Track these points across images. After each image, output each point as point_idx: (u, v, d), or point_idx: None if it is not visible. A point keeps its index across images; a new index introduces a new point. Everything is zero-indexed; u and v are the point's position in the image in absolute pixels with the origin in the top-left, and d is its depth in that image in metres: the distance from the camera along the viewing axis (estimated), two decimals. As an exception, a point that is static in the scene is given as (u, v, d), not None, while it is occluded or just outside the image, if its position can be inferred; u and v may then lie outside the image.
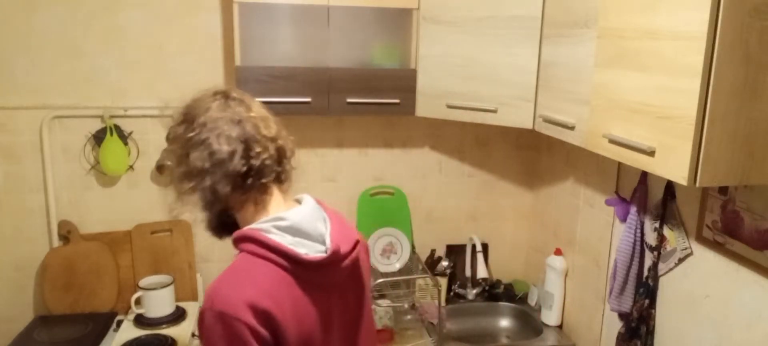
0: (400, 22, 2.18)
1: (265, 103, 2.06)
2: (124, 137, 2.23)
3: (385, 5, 2.09)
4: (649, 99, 1.29)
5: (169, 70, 2.25)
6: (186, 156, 1.12)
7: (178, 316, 2.17)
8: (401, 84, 2.14)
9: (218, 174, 1.10)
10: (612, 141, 1.42)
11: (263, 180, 1.14)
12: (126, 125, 2.24)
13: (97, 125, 2.22)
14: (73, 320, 2.17)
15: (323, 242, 1.15)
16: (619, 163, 1.94)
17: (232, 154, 1.10)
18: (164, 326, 2.11)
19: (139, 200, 2.32)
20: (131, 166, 2.27)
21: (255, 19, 2.07)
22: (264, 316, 1.04)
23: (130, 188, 2.30)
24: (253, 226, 1.12)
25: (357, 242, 1.21)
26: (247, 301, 1.03)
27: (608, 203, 1.96)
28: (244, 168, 1.11)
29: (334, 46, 2.09)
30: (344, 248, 1.17)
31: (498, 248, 2.67)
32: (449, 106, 2.08)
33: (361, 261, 1.26)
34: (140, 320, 2.14)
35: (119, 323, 2.16)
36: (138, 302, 2.15)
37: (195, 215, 1.20)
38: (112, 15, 2.17)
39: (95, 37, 2.17)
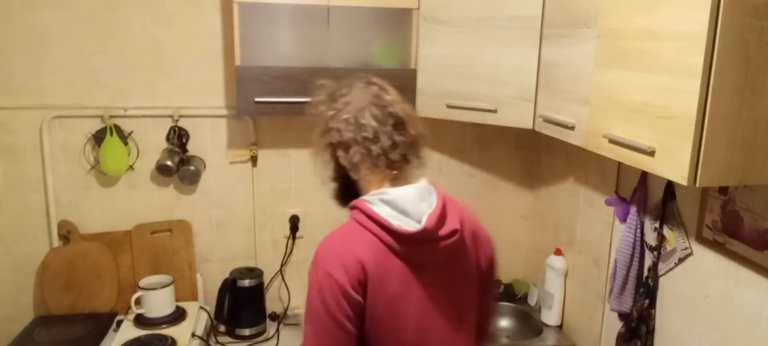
0: (400, 22, 2.18)
1: (265, 103, 2.08)
2: (124, 137, 2.23)
3: (385, 5, 2.09)
4: (649, 99, 1.29)
5: (169, 70, 2.25)
6: (329, 129, 1.26)
7: (178, 316, 2.17)
8: (401, 84, 2.09)
9: (360, 146, 1.24)
10: (612, 141, 1.42)
11: (393, 158, 1.26)
12: (126, 125, 2.24)
13: (97, 125, 2.22)
14: (73, 320, 2.17)
15: (420, 221, 1.23)
16: (619, 163, 1.94)
17: (375, 129, 1.24)
18: (164, 326, 2.11)
19: (139, 200, 2.32)
20: (131, 166, 2.27)
21: (255, 19, 2.07)
22: (356, 275, 1.17)
23: (130, 188, 2.30)
24: (362, 197, 1.26)
25: (455, 230, 1.27)
26: (351, 252, 1.18)
27: (608, 203, 1.96)
28: (383, 144, 1.24)
29: (334, 46, 2.09)
30: (440, 231, 1.24)
31: (498, 248, 2.64)
32: (449, 106, 2.08)
33: (467, 251, 1.34)
34: (140, 320, 2.14)
35: (119, 323, 2.16)
36: (138, 302, 2.15)
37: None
38: (112, 15, 2.17)
39: (95, 37, 2.17)
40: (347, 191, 1.32)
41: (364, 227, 1.22)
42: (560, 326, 2.34)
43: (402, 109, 1.29)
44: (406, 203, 1.23)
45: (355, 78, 1.32)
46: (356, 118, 1.24)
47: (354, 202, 1.26)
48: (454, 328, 1.32)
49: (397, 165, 1.27)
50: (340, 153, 1.27)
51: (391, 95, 1.30)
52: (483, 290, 1.40)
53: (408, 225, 1.22)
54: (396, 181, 1.28)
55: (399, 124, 1.27)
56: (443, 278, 1.30)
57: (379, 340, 1.23)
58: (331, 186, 1.36)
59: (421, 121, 1.34)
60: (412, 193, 1.25)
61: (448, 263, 1.30)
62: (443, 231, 1.25)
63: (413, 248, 1.23)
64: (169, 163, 2.20)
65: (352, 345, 1.21)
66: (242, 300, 2.26)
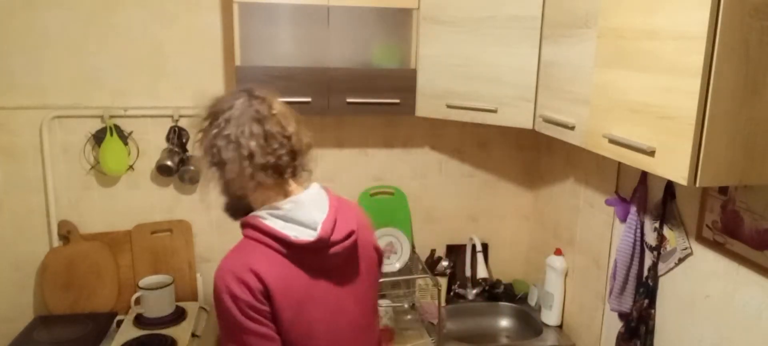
0: (400, 22, 2.18)
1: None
2: (124, 137, 2.23)
3: (385, 5, 2.09)
4: (649, 99, 1.29)
5: (169, 70, 2.25)
6: (211, 147, 1.25)
7: (178, 316, 2.18)
8: (401, 84, 2.14)
9: (239, 165, 1.23)
10: (612, 141, 1.42)
11: (279, 173, 1.27)
12: (126, 125, 2.24)
13: (97, 125, 2.22)
14: (73, 320, 2.17)
15: (315, 229, 1.26)
16: (619, 163, 1.94)
17: (253, 148, 1.22)
18: (164, 326, 2.11)
19: (139, 200, 2.32)
20: (131, 166, 2.27)
21: (255, 19, 2.07)
22: (257, 287, 1.19)
23: (130, 188, 2.30)
24: (253, 213, 1.29)
25: (352, 232, 1.31)
26: (248, 267, 1.20)
27: (608, 203, 1.96)
28: (264, 161, 1.23)
29: (334, 46, 2.09)
30: (335, 236, 1.28)
31: (498, 248, 2.67)
32: (449, 106, 2.08)
33: (361, 250, 1.38)
34: (140, 320, 2.14)
35: (119, 323, 2.16)
36: (138, 302, 2.15)
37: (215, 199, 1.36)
38: (112, 15, 2.17)
39: (95, 37, 2.17)
40: (237, 204, 1.33)
41: (259, 242, 1.24)
42: (560, 326, 2.34)
43: (284, 122, 1.28)
44: (298, 214, 1.26)
45: (239, 92, 1.30)
46: (236, 137, 1.22)
47: (245, 219, 1.28)
48: (362, 326, 1.40)
49: (278, 182, 1.27)
50: (220, 172, 1.27)
51: (274, 108, 1.28)
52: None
53: (304, 235, 1.25)
54: (285, 193, 1.29)
55: (279, 138, 1.26)
56: (345, 278, 1.34)
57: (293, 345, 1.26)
58: (223, 200, 1.36)
59: (308, 130, 1.33)
60: (303, 202, 1.28)
61: (349, 263, 1.35)
62: (337, 236, 1.28)
63: (311, 256, 1.26)
64: (169, 163, 2.20)
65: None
66: (242, 300, 2.26)
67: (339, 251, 1.29)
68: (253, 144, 1.22)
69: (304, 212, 1.27)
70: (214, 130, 1.25)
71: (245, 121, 1.24)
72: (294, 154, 1.29)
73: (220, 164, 1.25)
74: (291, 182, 1.30)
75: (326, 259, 1.28)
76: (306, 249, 1.24)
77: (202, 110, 1.31)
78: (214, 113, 1.27)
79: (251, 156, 1.23)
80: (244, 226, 1.29)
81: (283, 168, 1.27)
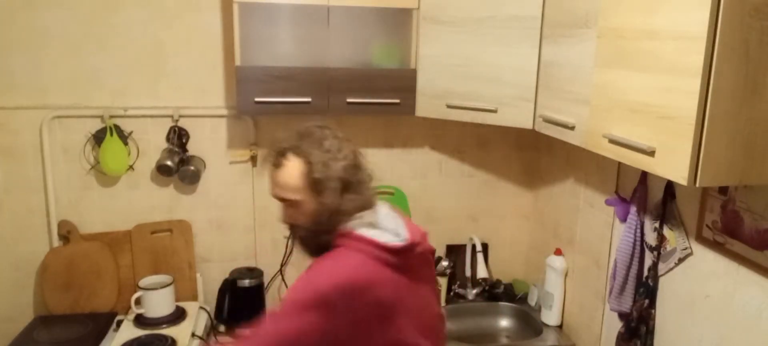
0: (400, 22, 2.18)
1: (264, 103, 2.08)
2: (124, 137, 2.23)
3: (385, 5, 2.09)
4: (649, 99, 1.29)
5: (169, 70, 2.25)
6: (331, 171, 1.32)
7: (178, 316, 2.18)
8: (401, 84, 2.14)
9: (364, 186, 1.37)
10: (612, 141, 1.42)
11: (375, 194, 1.40)
12: (126, 125, 2.24)
13: (97, 125, 2.22)
14: (73, 320, 2.17)
15: (397, 235, 1.34)
16: (619, 163, 1.94)
17: (368, 170, 1.38)
18: (164, 326, 2.11)
19: (139, 200, 2.32)
20: (131, 166, 2.27)
21: (255, 19, 2.07)
22: (377, 296, 1.27)
23: (130, 188, 2.30)
24: (345, 225, 1.35)
25: (424, 235, 1.45)
26: (369, 280, 1.27)
27: (608, 203, 1.96)
28: (370, 181, 1.39)
29: (334, 46, 2.09)
30: (417, 239, 1.39)
31: (498, 248, 2.67)
32: (449, 106, 2.08)
33: (431, 252, 1.52)
34: (140, 320, 2.14)
35: (119, 323, 2.16)
36: (138, 302, 2.15)
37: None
38: (112, 15, 2.17)
39: (95, 37, 2.17)
40: (317, 236, 1.37)
41: (356, 250, 1.30)
42: (560, 326, 2.34)
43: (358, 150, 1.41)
44: (384, 223, 1.36)
45: (313, 125, 1.38)
46: (354, 160, 1.35)
47: (341, 231, 1.34)
48: (441, 324, 1.52)
49: (376, 199, 1.40)
50: (342, 196, 1.33)
51: (346, 138, 1.39)
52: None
53: (395, 240, 1.33)
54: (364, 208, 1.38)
55: (363, 165, 1.40)
56: (423, 278, 1.44)
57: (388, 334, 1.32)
58: (301, 233, 1.40)
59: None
60: (384, 213, 1.39)
61: (424, 265, 1.46)
62: (417, 239, 1.39)
63: (401, 258, 1.33)
64: (169, 163, 2.20)
65: None
66: (242, 300, 2.26)
67: (422, 252, 1.41)
68: (366, 165, 1.38)
69: (388, 221, 1.37)
70: (327, 156, 1.32)
71: (349, 146, 1.36)
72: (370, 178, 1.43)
73: (346, 186, 1.33)
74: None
75: (413, 259, 1.36)
76: (398, 252, 1.31)
77: (294, 138, 1.36)
78: (314, 140, 1.34)
79: (367, 179, 1.37)
80: (340, 237, 1.34)
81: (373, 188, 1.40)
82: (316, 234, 1.37)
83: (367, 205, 1.38)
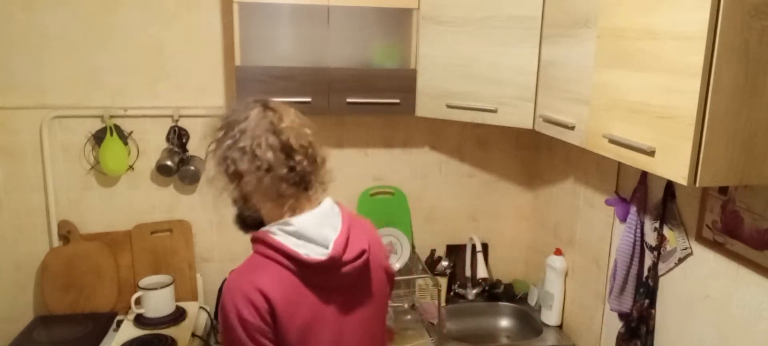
0: (400, 22, 2.18)
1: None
2: (124, 137, 2.23)
3: (385, 5, 2.09)
4: (649, 99, 1.29)
5: (169, 70, 2.25)
6: (225, 159, 1.23)
7: (178, 316, 2.18)
8: (401, 84, 2.14)
9: (256, 177, 1.21)
10: (612, 141, 1.42)
11: (298, 185, 1.24)
12: (126, 125, 2.24)
13: (97, 125, 2.22)
14: (73, 320, 2.17)
15: (327, 246, 1.23)
16: (619, 163, 1.94)
17: (271, 160, 1.20)
18: (164, 326, 2.11)
19: (139, 200, 2.32)
20: (131, 166, 2.27)
21: (255, 19, 2.07)
22: (263, 307, 1.17)
23: (130, 188, 2.30)
24: (264, 228, 1.25)
25: (364, 252, 1.28)
26: (256, 286, 1.17)
27: (608, 202, 1.96)
28: (283, 172, 1.22)
29: (334, 46, 2.09)
30: (347, 255, 1.25)
31: (498, 248, 2.67)
32: (449, 106, 2.08)
33: (372, 271, 1.34)
34: (140, 320, 2.14)
35: (119, 323, 2.16)
36: (138, 302, 2.15)
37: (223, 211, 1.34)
38: (112, 15, 2.17)
39: (95, 37, 2.17)
40: (249, 217, 1.31)
41: (269, 258, 1.21)
42: (560, 326, 2.34)
43: (300, 135, 1.26)
44: (310, 231, 1.23)
45: (253, 103, 1.27)
46: (252, 149, 1.20)
47: (256, 234, 1.25)
48: (372, 343, 1.36)
49: (293, 194, 1.24)
50: (235, 183, 1.24)
51: (288, 121, 1.25)
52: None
53: (315, 253, 1.21)
54: (297, 208, 1.25)
55: (296, 152, 1.23)
56: (355, 299, 1.31)
57: None
58: (234, 212, 1.34)
59: (321, 144, 1.31)
60: (316, 219, 1.25)
61: (359, 283, 1.31)
62: (349, 255, 1.25)
63: (322, 275, 1.23)
64: (169, 163, 2.20)
65: None
66: (242, 300, 2.26)
67: (350, 271, 1.25)
68: (269, 155, 1.20)
69: (316, 229, 1.23)
70: (229, 142, 1.22)
71: (261, 132, 1.21)
72: (314, 165, 1.27)
73: (235, 176, 1.23)
74: (305, 195, 1.27)
75: (337, 279, 1.24)
76: (317, 268, 1.21)
77: (215, 121, 1.28)
78: (229, 124, 1.24)
79: (270, 168, 1.20)
80: (254, 241, 1.26)
81: (302, 179, 1.24)
82: (239, 220, 1.34)
83: (277, 202, 1.24)
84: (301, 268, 1.20)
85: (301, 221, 1.23)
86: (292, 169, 1.22)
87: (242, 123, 1.22)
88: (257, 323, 1.17)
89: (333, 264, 1.22)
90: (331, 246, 1.22)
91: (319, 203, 1.29)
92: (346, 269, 1.24)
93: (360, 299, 1.32)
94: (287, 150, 1.22)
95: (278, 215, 1.25)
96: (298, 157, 1.23)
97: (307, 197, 1.28)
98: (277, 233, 1.22)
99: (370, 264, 1.33)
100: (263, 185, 1.21)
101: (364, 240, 1.30)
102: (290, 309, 1.19)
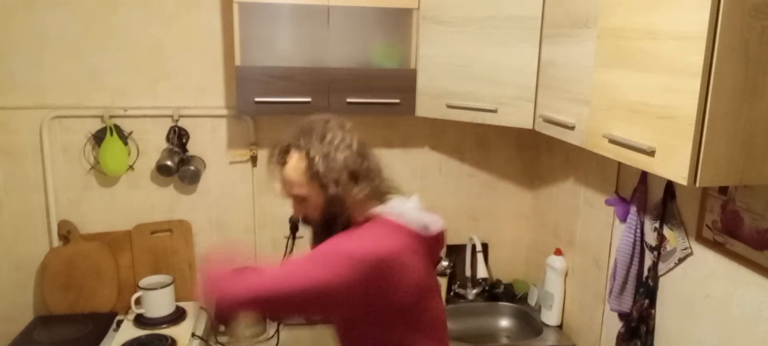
0: (400, 22, 2.19)
1: (264, 103, 2.08)
2: (124, 137, 2.23)
3: (385, 5, 2.09)
4: (649, 99, 1.29)
5: (169, 70, 2.25)
6: (332, 163, 1.33)
7: (178, 316, 2.18)
8: (401, 84, 2.14)
9: (371, 177, 1.37)
10: (612, 141, 1.42)
11: (389, 185, 1.43)
12: (126, 125, 2.25)
13: (97, 125, 2.22)
14: (73, 320, 2.17)
15: (425, 228, 1.40)
16: (619, 163, 1.94)
17: (377, 161, 1.40)
18: (164, 326, 2.11)
19: (139, 200, 2.32)
20: (131, 166, 2.27)
21: (255, 19, 2.07)
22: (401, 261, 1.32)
23: (130, 188, 2.30)
24: (372, 211, 1.38)
25: (444, 230, 1.51)
26: (400, 246, 1.33)
27: (608, 202, 1.96)
28: (382, 172, 1.41)
29: (334, 46, 2.09)
30: (440, 236, 1.49)
31: (498, 248, 2.67)
32: (449, 106, 2.08)
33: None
34: (140, 320, 2.14)
35: (119, 323, 2.16)
36: (138, 302, 2.15)
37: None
38: (112, 15, 2.17)
39: (95, 37, 2.18)
40: (329, 228, 1.37)
41: (392, 227, 1.35)
42: (560, 326, 2.34)
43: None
44: (411, 214, 1.40)
45: (315, 118, 1.39)
46: (359, 151, 1.34)
47: (373, 212, 1.37)
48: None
49: (390, 191, 1.42)
50: (350, 186, 1.34)
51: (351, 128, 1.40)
52: None
53: (424, 229, 1.40)
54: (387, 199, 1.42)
55: (370, 155, 1.41)
56: (434, 269, 1.56)
57: (429, 309, 1.40)
58: (313, 226, 1.42)
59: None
60: (408, 205, 1.43)
61: (435, 263, 1.55)
62: (440, 236, 1.49)
63: (428, 247, 1.42)
64: (169, 163, 2.20)
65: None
66: (242, 300, 2.26)
67: (442, 246, 1.52)
68: (373, 156, 1.39)
69: (412, 212, 1.41)
70: (327, 149, 1.33)
71: (352, 137, 1.37)
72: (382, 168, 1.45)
73: (352, 176, 1.33)
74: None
75: (436, 252, 1.50)
76: (427, 241, 1.40)
77: (296, 133, 1.36)
78: (316, 134, 1.34)
79: (375, 168, 1.38)
80: (368, 219, 1.36)
81: (386, 178, 1.42)
82: (328, 226, 1.38)
83: (378, 193, 1.39)
84: (415, 240, 1.36)
85: (403, 206, 1.40)
86: (380, 168, 1.42)
87: (330, 132, 1.35)
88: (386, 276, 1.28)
89: (439, 237, 1.45)
90: (432, 223, 1.42)
91: (396, 197, 1.45)
92: (442, 242, 1.49)
93: (435, 267, 1.61)
94: (369, 149, 1.41)
95: (370, 207, 1.38)
96: (373, 158, 1.42)
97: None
98: (390, 214, 1.37)
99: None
100: (376, 182, 1.38)
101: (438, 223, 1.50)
102: (413, 270, 1.33)
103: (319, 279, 1.23)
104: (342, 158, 1.33)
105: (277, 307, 1.30)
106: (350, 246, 1.28)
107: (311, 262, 1.27)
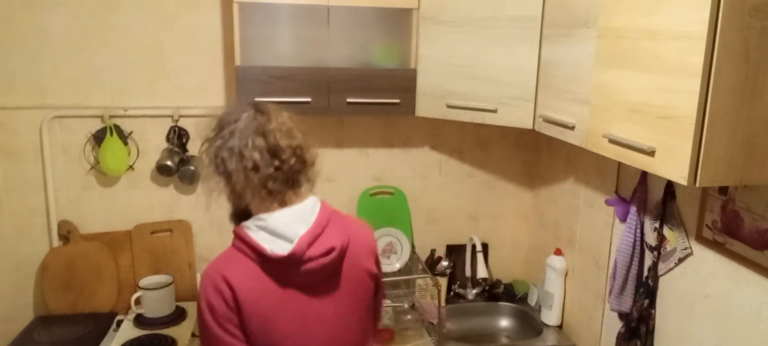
0: (400, 22, 2.18)
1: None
2: (124, 137, 2.23)
3: (385, 5, 2.09)
4: (649, 99, 1.29)
5: (169, 70, 2.25)
6: (216, 158, 1.30)
7: (178, 316, 2.18)
8: (401, 84, 2.14)
9: (244, 176, 1.28)
10: (612, 141, 1.42)
11: (286, 183, 1.31)
12: (126, 125, 2.25)
13: (97, 125, 2.22)
14: (73, 320, 2.17)
15: (291, 242, 1.27)
16: (619, 163, 1.94)
17: (257, 160, 1.27)
18: (164, 326, 2.11)
19: (139, 200, 2.32)
20: (131, 166, 2.27)
21: (255, 19, 2.07)
22: (230, 291, 1.25)
23: (130, 188, 2.30)
24: (243, 223, 1.32)
25: (331, 249, 1.30)
26: (222, 275, 1.26)
27: (608, 202, 1.96)
28: (269, 172, 1.28)
29: (334, 46, 2.09)
30: (312, 252, 1.27)
31: (498, 248, 2.67)
32: (449, 106, 2.08)
33: (347, 270, 1.36)
34: (140, 320, 2.14)
35: (119, 323, 2.16)
36: (138, 302, 2.15)
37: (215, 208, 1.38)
38: (112, 15, 2.17)
39: (95, 37, 2.17)
40: (242, 213, 1.36)
41: (240, 251, 1.28)
42: (560, 326, 2.34)
43: (289, 136, 1.31)
44: (281, 227, 1.27)
45: (246, 105, 1.34)
46: (240, 149, 1.27)
47: (235, 228, 1.33)
48: (340, 340, 1.38)
49: (280, 193, 1.31)
50: (226, 181, 1.31)
51: (277, 123, 1.31)
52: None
53: (280, 248, 1.25)
54: (282, 204, 1.31)
55: (283, 151, 1.29)
56: (327, 295, 1.34)
57: (268, 335, 1.29)
58: (230, 208, 1.40)
59: (311, 145, 1.37)
60: (290, 216, 1.30)
61: (329, 281, 1.34)
62: (314, 252, 1.27)
63: (285, 270, 1.27)
64: (169, 163, 2.20)
65: None
66: (242, 300, 2.26)
67: (315, 268, 1.27)
68: (256, 155, 1.26)
69: (288, 224, 1.28)
70: (219, 142, 1.30)
71: (249, 133, 1.27)
72: (302, 164, 1.33)
73: (225, 174, 1.30)
74: (293, 193, 1.33)
75: (300, 274, 1.28)
76: (279, 262, 1.26)
77: (210, 120, 1.35)
78: (220, 125, 1.32)
79: (256, 167, 1.27)
80: (234, 234, 1.33)
81: (290, 177, 1.31)
82: (233, 216, 1.39)
83: (265, 199, 1.30)
84: (266, 262, 1.26)
85: (275, 217, 1.28)
86: (278, 168, 1.28)
87: (233, 124, 1.29)
88: (223, 310, 1.25)
89: (294, 259, 1.25)
90: (295, 242, 1.26)
91: (302, 200, 1.34)
92: (309, 265, 1.27)
93: (333, 295, 1.35)
94: (274, 150, 1.28)
95: (266, 210, 1.31)
96: (284, 157, 1.29)
97: (297, 194, 1.34)
98: (251, 228, 1.29)
99: (345, 263, 1.35)
100: (251, 183, 1.28)
101: (340, 239, 1.32)
102: (253, 300, 1.26)
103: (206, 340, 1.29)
104: (225, 154, 1.28)
105: None
106: (199, 296, 1.30)
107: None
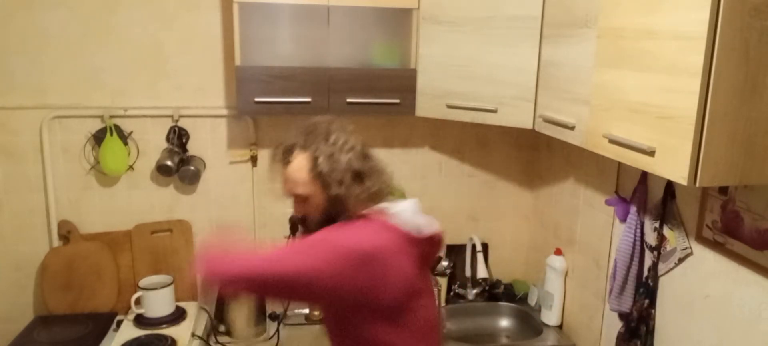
0: (400, 22, 2.19)
1: (264, 102, 2.08)
2: (124, 137, 2.23)
3: (385, 5, 2.09)
4: (649, 99, 1.29)
5: (169, 70, 2.25)
6: (345, 162, 1.36)
7: (178, 316, 2.18)
8: (401, 84, 2.14)
9: (378, 175, 1.41)
10: (612, 141, 1.42)
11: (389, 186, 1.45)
12: (126, 125, 2.25)
13: (97, 125, 2.22)
14: (73, 320, 2.17)
15: (418, 231, 1.39)
16: (619, 163, 1.94)
17: (374, 163, 1.42)
18: (164, 326, 2.12)
19: (139, 200, 2.32)
20: (131, 166, 2.27)
21: (255, 19, 2.07)
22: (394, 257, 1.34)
23: (130, 188, 2.30)
24: (373, 208, 1.39)
25: (441, 237, 1.51)
26: (394, 242, 1.35)
27: (608, 202, 1.96)
28: (385, 172, 1.43)
29: (334, 46, 2.09)
30: (434, 240, 1.47)
31: (498, 248, 2.67)
32: (449, 106, 2.08)
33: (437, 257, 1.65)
34: (140, 320, 2.14)
35: (119, 323, 2.16)
36: (138, 302, 2.15)
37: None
38: (112, 15, 2.17)
39: (95, 37, 2.18)
40: (330, 218, 1.40)
41: (387, 228, 1.36)
42: (560, 326, 2.34)
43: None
44: (408, 216, 1.40)
45: (319, 119, 1.42)
46: (362, 151, 1.37)
47: (369, 211, 1.38)
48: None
49: (391, 192, 1.43)
50: (352, 187, 1.36)
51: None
52: None
53: (418, 230, 1.40)
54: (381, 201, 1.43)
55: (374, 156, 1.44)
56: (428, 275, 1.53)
57: (418, 309, 1.40)
58: (312, 225, 1.43)
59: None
60: (411, 207, 1.43)
61: (429, 269, 1.56)
62: (434, 240, 1.48)
63: (419, 247, 1.41)
64: (169, 163, 2.20)
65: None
66: (242, 300, 2.26)
67: (433, 251, 1.49)
68: (376, 156, 1.42)
69: (414, 212, 1.42)
70: (331, 149, 1.36)
71: (356, 138, 1.40)
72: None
73: (356, 175, 1.36)
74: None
75: (428, 253, 1.46)
76: (420, 242, 1.39)
77: (299, 134, 1.40)
78: (320, 133, 1.38)
79: (380, 168, 1.41)
80: (364, 217, 1.38)
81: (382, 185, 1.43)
82: (327, 225, 1.40)
83: (380, 194, 1.41)
84: (409, 241, 1.37)
85: (402, 206, 1.40)
86: (378, 168, 1.43)
87: (335, 132, 1.38)
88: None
89: (427, 240, 1.42)
90: (427, 227, 1.40)
91: (393, 201, 1.45)
92: (433, 250, 1.47)
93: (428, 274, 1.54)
94: (366, 153, 1.42)
95: (369, 207, 1.39)
96: (376, 165, 1.44)
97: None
98: (398, 211, 1.39)
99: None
100: (384, 181, 1.41)
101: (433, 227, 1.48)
102: (399, 269, 1.34)
103: (306, 266, 1.27)
104: (345, 159, 1.36)
105: (265, 288, 1.31)
106: (338, 237, 1.32)
107: (301, 249, 1.32)
